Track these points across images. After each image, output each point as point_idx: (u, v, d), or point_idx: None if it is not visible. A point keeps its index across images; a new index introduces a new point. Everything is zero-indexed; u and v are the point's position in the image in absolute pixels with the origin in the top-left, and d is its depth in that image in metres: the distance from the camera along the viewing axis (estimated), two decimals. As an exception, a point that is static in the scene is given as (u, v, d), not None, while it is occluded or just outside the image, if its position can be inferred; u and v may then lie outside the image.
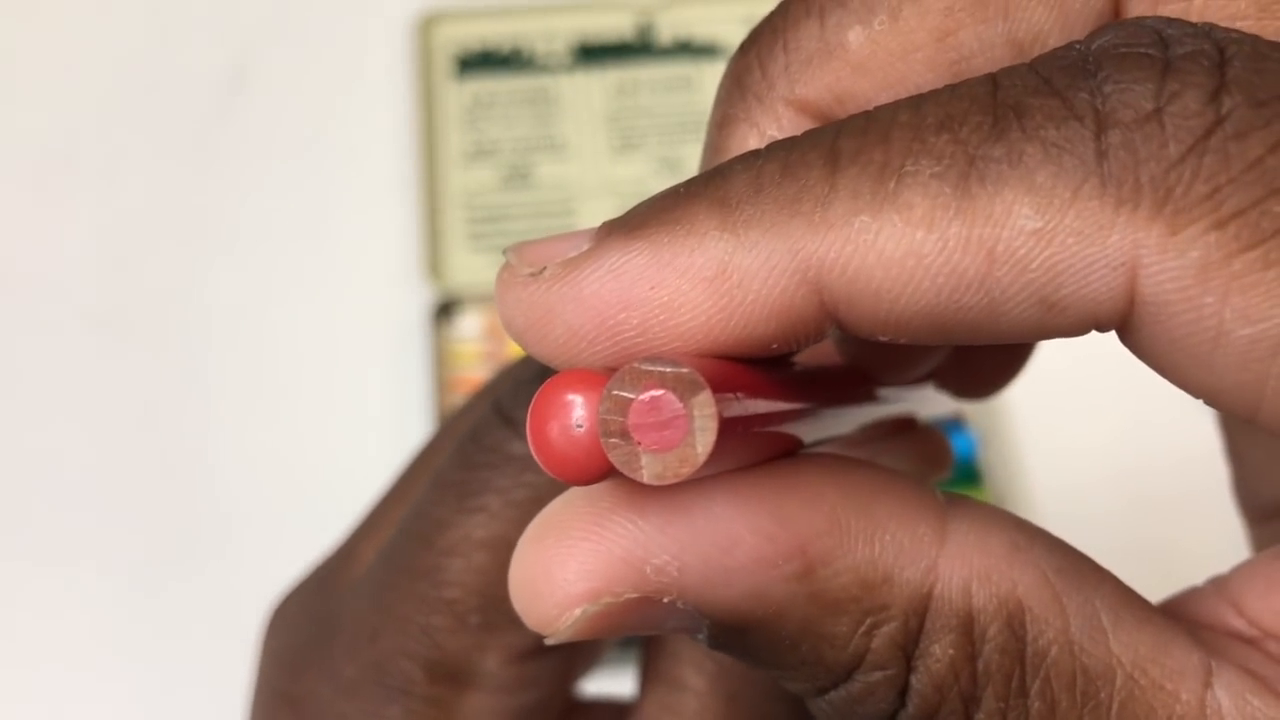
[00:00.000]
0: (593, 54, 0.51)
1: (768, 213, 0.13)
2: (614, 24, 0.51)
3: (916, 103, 0.13)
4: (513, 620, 0.20)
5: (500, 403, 0.20)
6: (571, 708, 0.22)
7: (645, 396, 0.12)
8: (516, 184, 0.48)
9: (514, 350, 0.44)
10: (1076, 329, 0.13)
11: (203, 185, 0.49)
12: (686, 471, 0.12)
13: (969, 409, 0.43)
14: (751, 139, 0.16)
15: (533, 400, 0.13)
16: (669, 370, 0.12)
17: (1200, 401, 0.14)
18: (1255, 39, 0.13)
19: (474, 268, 0.46)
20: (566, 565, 0.14)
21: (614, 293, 0.14)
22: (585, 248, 0.14)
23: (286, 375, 0.45)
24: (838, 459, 0.14)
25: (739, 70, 0.17)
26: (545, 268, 0.14)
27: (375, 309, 0.46)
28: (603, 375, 0.13)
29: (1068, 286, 0.13)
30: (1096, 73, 0.13)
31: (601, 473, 0.13)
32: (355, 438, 0.44)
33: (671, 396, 0.12)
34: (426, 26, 0.51)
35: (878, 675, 0.14)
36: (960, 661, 0.14)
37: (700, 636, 0.14)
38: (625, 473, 0.12)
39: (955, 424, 0.43)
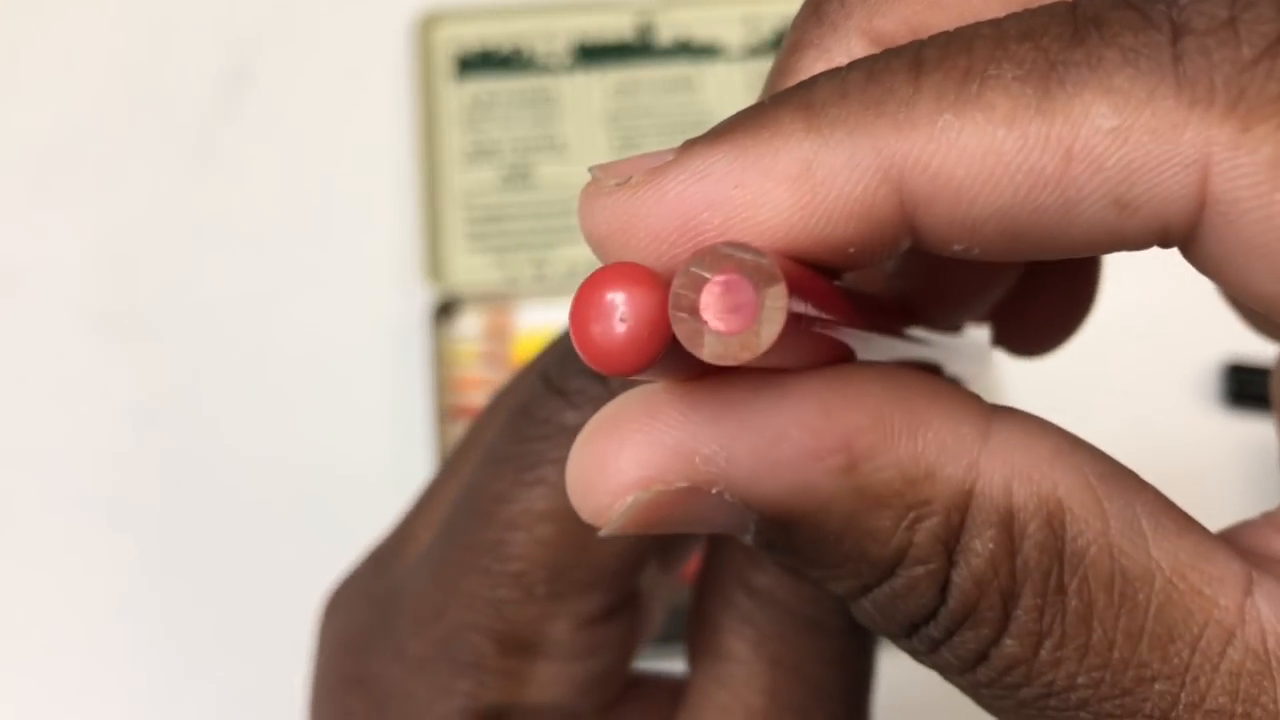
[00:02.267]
0: (593, 54, 0.51)
1: (853, 113, 0.14)
2: (614, 24, 0.51)
3: (998, 20, 0.14)
4: (579, 587, 0.20)
5: (548, 373, 0.20)
6: (634, 682, 0.22)
7: (720, 278, 0.12)
8: (516, 184, 0.48)
9: (515, 352, 0.44)
10: (1147, 233, 0.13)
11: (203, 185, 0.49)
12: (746, 357, 0.12)
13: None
14: (820, 64, 0.17)
15: (576, 293, 0.13)
16: (748, 257, 0.12)
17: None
18: None
19: (474, 268, 0.46)
20: (620, 455, 0.14)
21: (698, 194, 0.14)
22: (670, 158, 0.14)
23: (286, 375, 0.45)
24: (883, 365, 0.15)
25: None
26: (631, 177, 0.14)
27: (375, 309, 0.46)
28: (643, 267, 0.13)
29: (1142, 184, 0.13)
30: None
31: (643, 364, 0.13)
32: (355, 438, 0.44)
33: (746, 282, 0.12)
34: (427, 26, 0.51)
35: (919, 570, 0.14)
36: (1000, 557, 0.14)
37: (747, 537, 0.15)
38: (686, 346, 0.12)
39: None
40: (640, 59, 0.51)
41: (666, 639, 0.25)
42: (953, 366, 0.22)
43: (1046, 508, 0.14)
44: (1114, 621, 0.14)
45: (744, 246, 0.12)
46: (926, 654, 0.15)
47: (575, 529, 0.20)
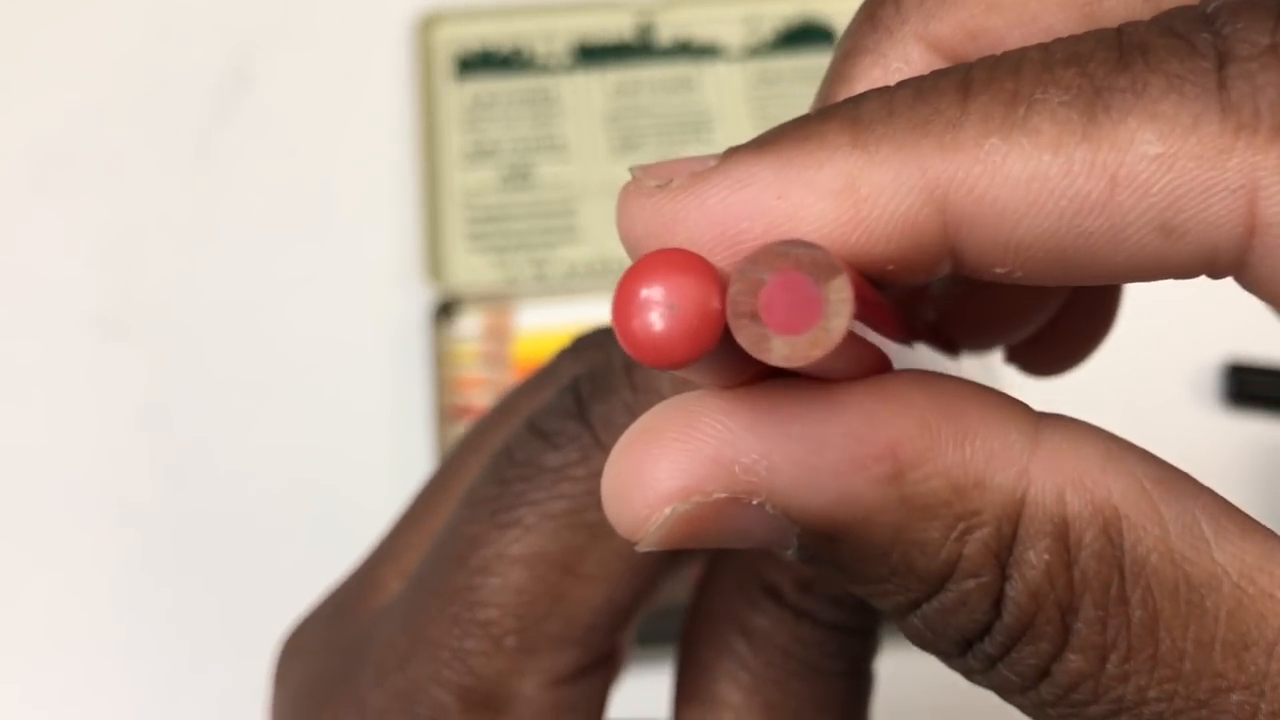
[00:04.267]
0: (593, 54, 0.51)
1: (900, 131, 0.14)
2: (614, 24, 0.51)
3: (1045, 44, 0.14)
4: (552, 642, 0.19)
5: (534, 419, 0.20)
6: None
7: (780, 277, 0.12)
8: (516, 184, 0.48)
9: (515, 353, 0.44)
10: (1195, 259, 0.13)
11: (203, 185, 0.49)
12: (817, 354, 0.12)
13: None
14: (876, 70, 0.17)
15: (621, 280, 0.12)
16: (804, 252, 0.12)
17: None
18: None
19: (474, 268, 0.46)
20: (657, 464, 0.14)
21: (739, 202, 0.14)
22: (712, 164, 0.14)
23: (287, 375, 0.45)
24: (924, 372, 0.14)
25: (873, 4, 0.17)
26: (672, 180, 0.14)
27: (375, 309, 0.46)
28: (692, 253, 0.12)
29: (1188, 210, 0.13)
30: (1215, 20, 0.13)
31: (694, 354, 0.12)
32: (355, 438, 0.44)
33: (806, 278, 0.12)
34: (427, 27, 0.51)
35: (971, 583, 0.14)
36: (1056, 568, 0.13)
37: (790, 551, 0.14)
38: (753, 353, 0.12)
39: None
40: (640, 59, 0.51)
41: (647, 640, 0.24)
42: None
43: (1102, 515, 0.13)
44: (1183, 631, 0.13)
45: (798, 243, 0.12)
46: (983, 673, 0.14)
47: (551, 576, 0.19)
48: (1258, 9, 0.13)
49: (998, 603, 0.14)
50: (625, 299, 0.12)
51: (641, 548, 0.14)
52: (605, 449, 0.19)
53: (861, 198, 0.13)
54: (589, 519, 0.19)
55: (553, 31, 0.51)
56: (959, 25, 0.16)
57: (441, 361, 0.44)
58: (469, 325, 0.45)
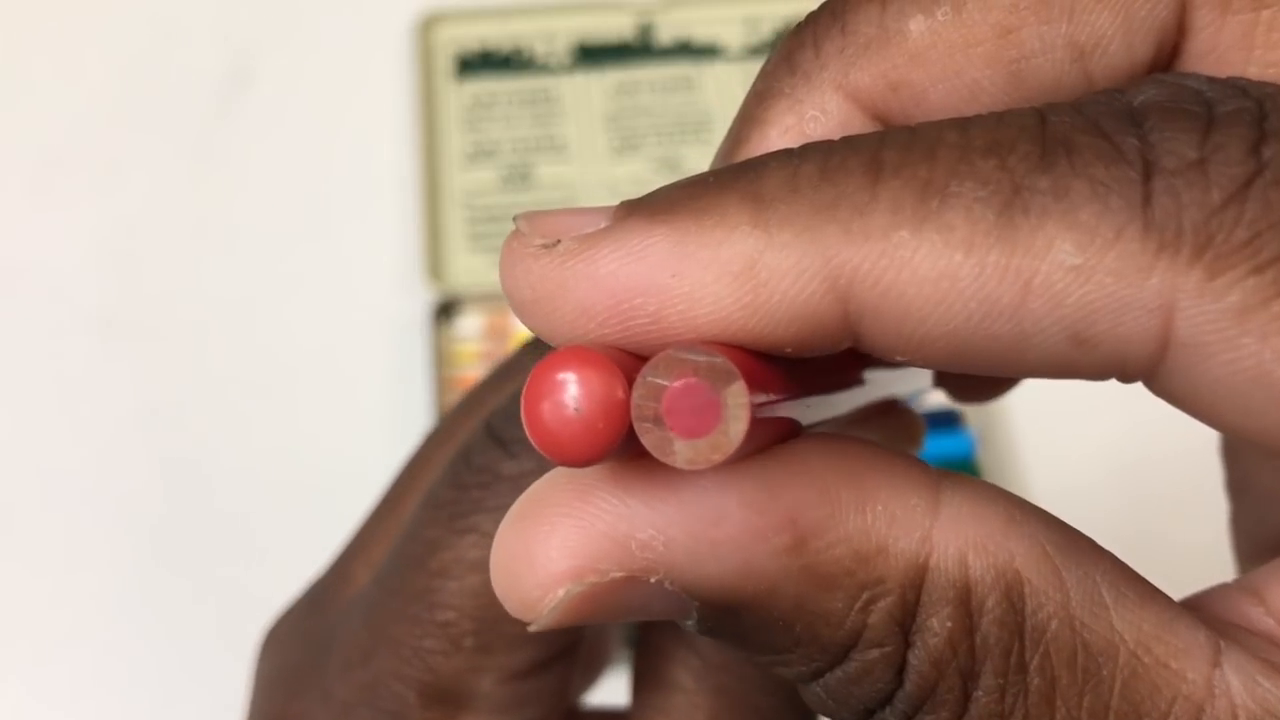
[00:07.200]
0: (593, 54, 0.51)
1: (803, 214, 0.13)
2: (614, 24, 0.51)
3: (963, 124, 0.13)
4: (508, 641, 0.19)
5: (492, 423, 0.20)
6: (571, 718, 0.22)
7: (680, 384, 0.12)
8: (516, 184, 0.48)
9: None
10: (1103, 369, 0.13)
11: (203, 185, 0.49)
12: (718, 458, 0.12)
13: (968, 409, 0.43)
14: (790, 117, 0.16)
15: (528, 380, 0.12)
16: (703, 359, 0.12)
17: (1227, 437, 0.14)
18: None
19: (474, 268, 0.46)
20: (549, 543, 0.13)
21: (632, 276, 0.13)
22: (603, 225, 0.13)
23: (287, 375, 0.45)
24: (824, 436, 0.14)
25: (791, 47, 0.16)
26: (559, 241, 0.13)
27: (375, 309, 0.46)
28: (599, 353, 0.12)
29: (1102, 324, 0.13)
30: (1143, 123, 0.13)
31: (599, 454, 0.12)
32: (356, 438, 0.44)
33: (706, 385, 0.12)
34: (427, 27, 0.51)
35: (875, 653, 0.13)
36: (958, 635, 0.13)
37: (689, 623, 0.14)
38: (658, 457, 0.12)
39: (954, 424, 0.43)
40: (640, 59, 0.51)
41: None
42: (899, 388, 0.22)
43: (1004, 580, 0.13)
44: (1078, 700, 0.13)
45: (696, 348, 0.12)
46: None
47: None
48: (1187, 118, 0.13)
49: (900, 671, 0.14)
50: (533, 398, 0.12)
51: (534, 629, 0.13)
52: None
53: (760, 282, 0.13)
54: None
55: (553, 31, 0.51)
56: (880, 76, 0.16)
57: (441, 361, 0.44)
58: (469, 325, 0.45)
